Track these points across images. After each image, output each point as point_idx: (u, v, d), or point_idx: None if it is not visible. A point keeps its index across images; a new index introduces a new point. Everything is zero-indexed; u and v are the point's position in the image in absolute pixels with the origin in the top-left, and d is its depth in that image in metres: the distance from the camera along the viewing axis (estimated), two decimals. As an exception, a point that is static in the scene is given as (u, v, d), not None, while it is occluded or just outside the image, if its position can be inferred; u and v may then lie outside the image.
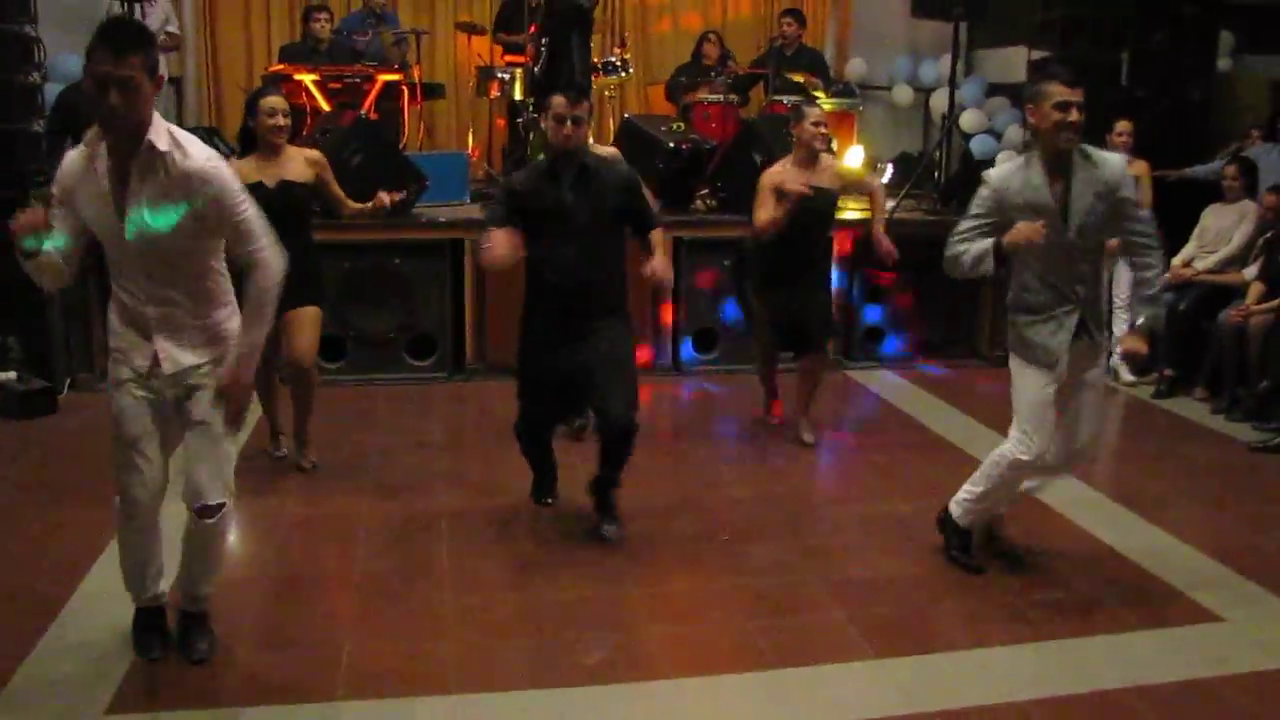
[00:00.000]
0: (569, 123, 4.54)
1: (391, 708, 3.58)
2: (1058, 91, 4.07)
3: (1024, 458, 4.35)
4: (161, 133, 3.25)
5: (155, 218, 3.27)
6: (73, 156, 3.36)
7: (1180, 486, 5.82)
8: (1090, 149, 4.22)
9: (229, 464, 3.60)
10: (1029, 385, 4.34)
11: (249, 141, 5.35)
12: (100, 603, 4.21)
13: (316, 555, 4.78)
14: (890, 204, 8.73)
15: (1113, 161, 4.25)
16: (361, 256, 7.48)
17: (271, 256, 3.46)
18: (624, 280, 4.80)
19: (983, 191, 4.30)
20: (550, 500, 5.13)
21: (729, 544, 4.92)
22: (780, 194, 5.65)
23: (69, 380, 7.10)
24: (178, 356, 3.45)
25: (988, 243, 4.21)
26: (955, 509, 4.69)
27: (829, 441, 6.37)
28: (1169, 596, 4.47)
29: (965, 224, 4.33)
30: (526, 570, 4.62)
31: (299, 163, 5.35)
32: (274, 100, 5.29)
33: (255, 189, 4.85)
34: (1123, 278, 7.71)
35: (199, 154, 3.31)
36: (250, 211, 3.41)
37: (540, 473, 5.13)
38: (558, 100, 4.55)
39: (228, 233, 3.41)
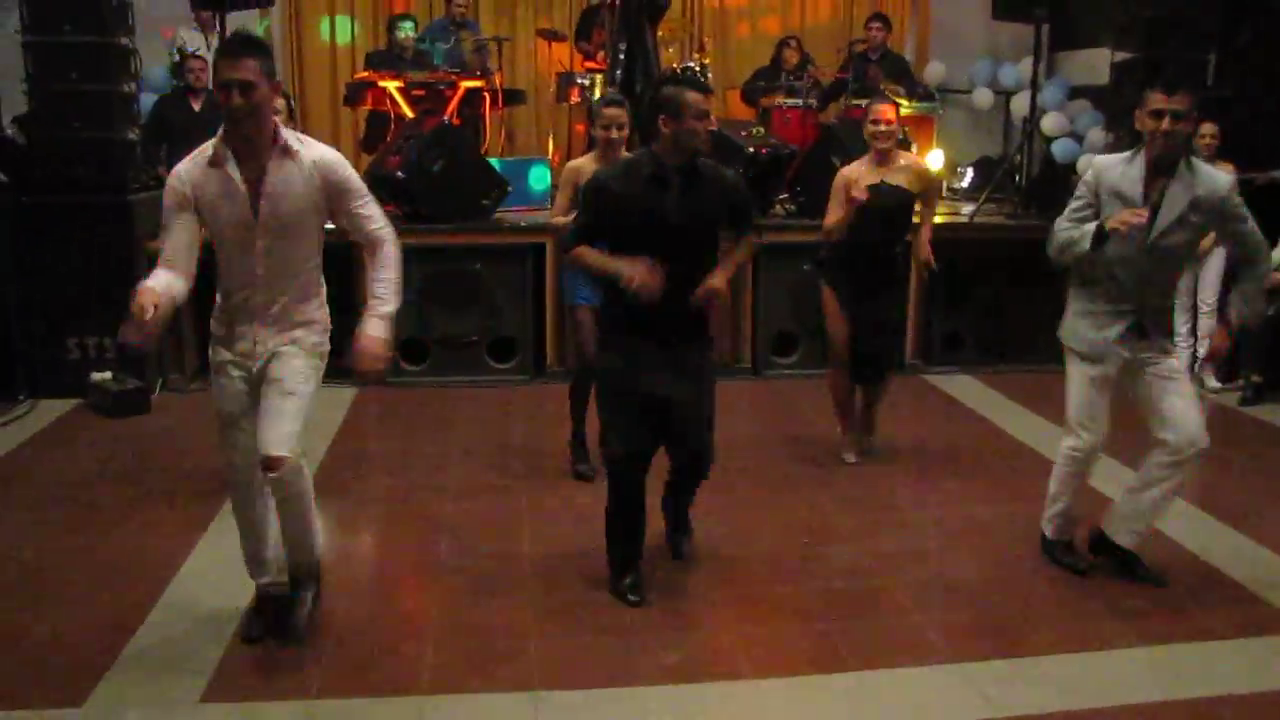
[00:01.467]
0: (708, 118, 4.19)
1: (475, 703, 3.65)
2: (1154, 99, 4.10)
3: (1073, 452, 4.58)
4: (289, 135, 3.67)
5: (290, 208, 3.66)
6: (192, 166, 3.67)
7: (1268, 494, 5.72)
8: (1198, 162, 4.25)
9: (296, 421, 3.72)
10: (1074, 377, 4.51)
11: None
12: (194, 596, 4.36)
13: (401, 553, 4.87)
14: (970, 208, 8.71)
15: (1216, 178, 4.22)
16: (443, 260, 7.60)
17: (390, 231, 3.86)
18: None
19: (1086, 175, 4.39)
20: (635, 597, 4.36)
21: (808, 547, 4.93)
22: (848, 199, 5.62)
23: (161, 380, 7.29)
24: (268, 340, 3.79)
25: (1090, 225, 4.25)
26: (1044, 527, 4.80)
27: (907, 445, 6.35)
28: (1257, 605, 4.41)
29: (1069, 208, 4.41)
30: (607, 571, 4.66)
31: None
32: None
33: None
34: (1207, 281, 7.60)
35: (323, 149, 3.77)
36: (369, 196, 3.84)
37: (631, 539, 4.43)
38: (695, 97, 4.12)
39: (348, 216, 3.80)
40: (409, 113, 8.73)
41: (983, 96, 11.52)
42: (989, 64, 11.51)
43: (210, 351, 3.89)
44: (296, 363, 3.78)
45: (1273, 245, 7.41)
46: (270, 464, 3.66)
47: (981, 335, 8.33)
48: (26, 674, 3.77)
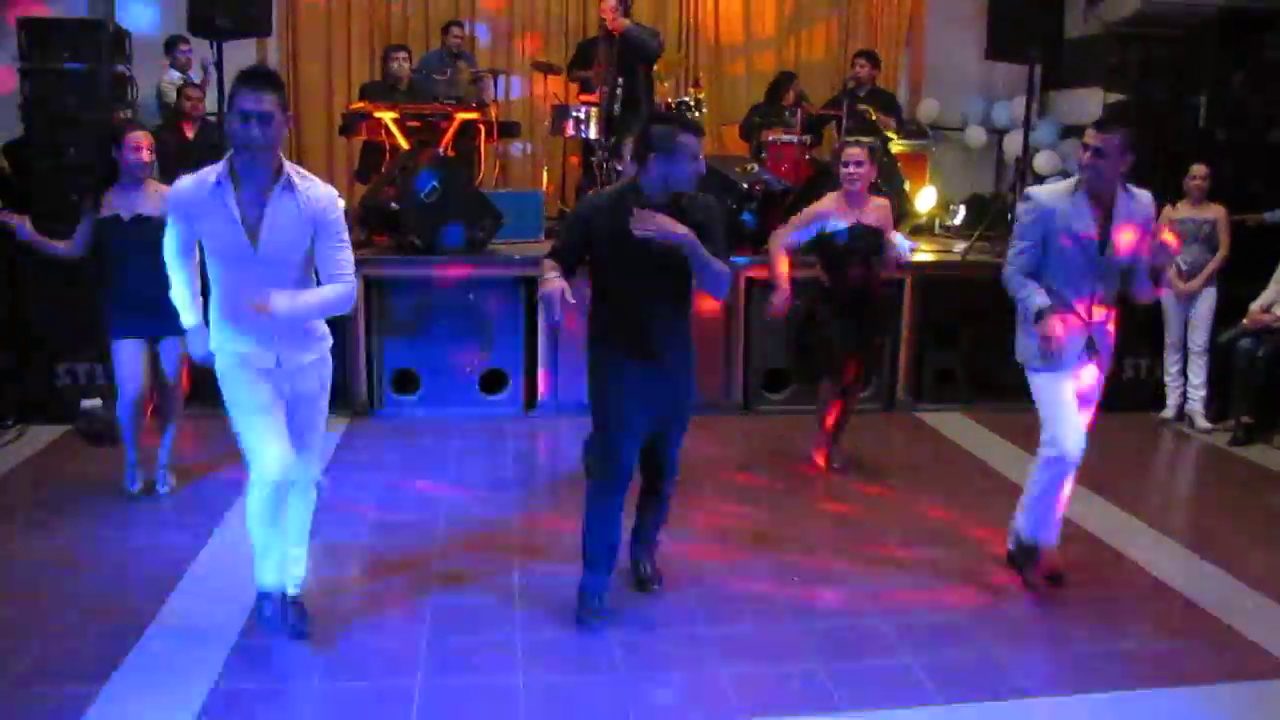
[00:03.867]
0: (700, 160, 4.24)
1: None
2: (1088, 133, 4.51)
3: (1051, 453, 4.68)
4: (292, 169, 3.84)
5: (287, 240, 3.82)
6: (194, 188, 3.82)
7: (1258, 535, 5.72)
8: (1132, 187, 4.62)
9: (322, 438, 4.27)
10: (1041, 387, 4.73)
11: (111, 171, 5.61)
12: (186, 620, 4.38)
13: (389, 586, 4.84)
14: (962, 245, 8.74)
15: (1145, 196, 4.65)
16: (436, 291, 7.60)
17: (351, 286, 4.00)
18: (689, 317, 4.47)
19: (1026, 208, 4.66)
20: (600, 615, 4.49)
21: (799, 586, 4.92)
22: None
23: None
24: (294, 356, 4.02)
25: (1038, 303, 4.57)
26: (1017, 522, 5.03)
27: (899, 482, 6.36)
28: (1245, 648, 4.41)
29: (1017, 245, 4.72)
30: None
31: (155, 197, 5.56)
32: (139, 135, 5.54)
33: (112, 220, 5.46)
34: (1198, 321, 7.62)
35: (322, 187, 3.91)
36: (347, 242, 3.98)
37: (607, 558, 4.51)
38: (688, 139, 4.14)
39: (325, 255, 3.92)
40: (404, 144, 8.74)
41: (975, 134, 11.58)
42: (982, 102, 11.58)
43: (221, 352, 4.01)
44: (321, 377, 4.14)
45: (1263, 286, 7.49)
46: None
47: (973, 372, 8.34)
48: (18, 693, 3.78)
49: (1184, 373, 7.81)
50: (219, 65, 8.35)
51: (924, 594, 4.90)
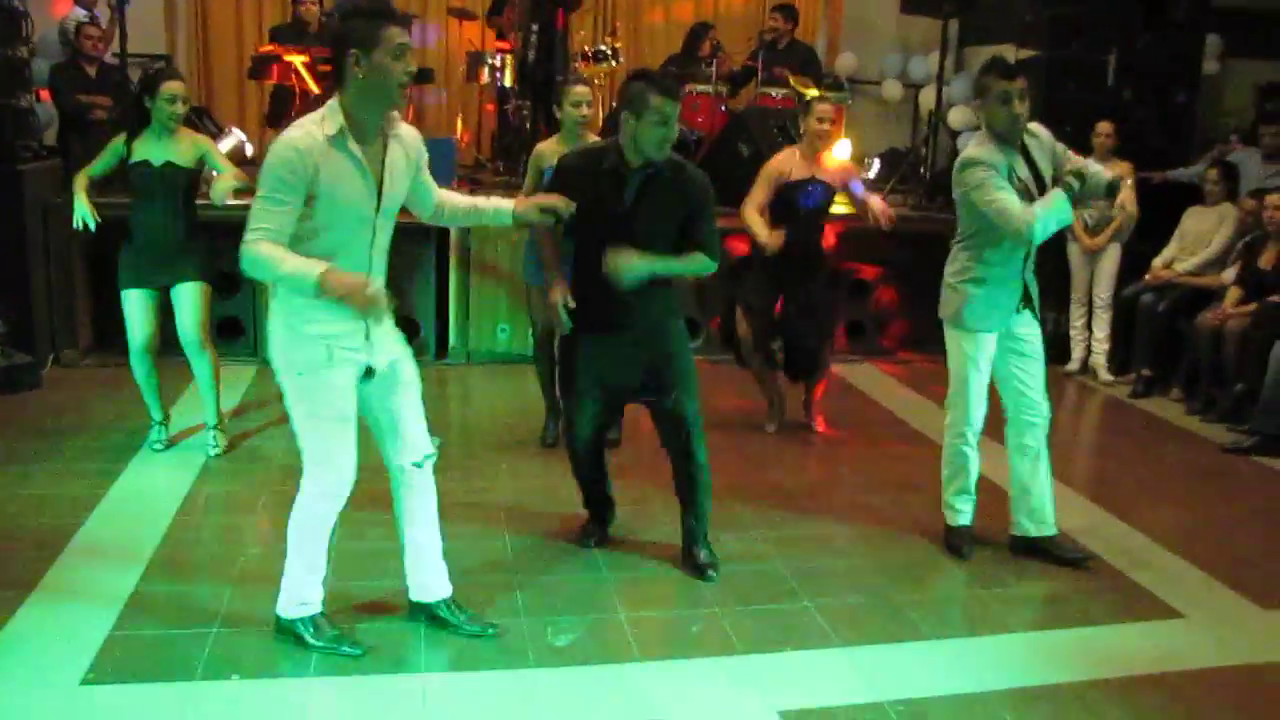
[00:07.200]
0: (671, 125, 4.02)
1: (362, 685, 3.62)
2: (1002, 84, 4.31)
3: (951, 425, 4.71)
4: (394, 114, 3.50)
5: (401, 189, 3.55)
6: (312, 141, 3.29)
7: (1153, 485, 5.88)
8: (1030, 126, 4.46)
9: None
10: (969, 357, 4.58)
11: (142, 119, 5.35)
12: (79, 575, 4.28)
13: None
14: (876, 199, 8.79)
15: (1043, 130, 4.55)
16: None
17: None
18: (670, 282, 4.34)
19: (982, 159, 4.33)
20: (593, 542, 4.72)
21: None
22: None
23: (53, 356, 7.11)
24: (384, 339, 3.62)
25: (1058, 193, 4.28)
26: (946, 515, 4.86)
27: (806, 432, 6.43)
28: (1134, 592, 4.53)
29: (995, 186, 4.29)
30: (500, 553, 4.66)
31: (188, 145, 5.36)
32: (175, 85, 5.32)
33: (141, 165, 5.23)
34: (1103, 275, 7.77)
35: (408, 126, 3.62)
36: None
37: (593, 499, 4.76)
38: (659, 101, 3.94)
39: (416, 189, 3.69)
40: (315, 88, 8.58)
41: (892, 88, 11.65)
42: (899, 57, 11.65)
43: (314, 349, 3.44)
44: (398, 335, 3.75)
45: (1165, 242, 7.66)
46: (426, 461, 3.83)
47: (884, 324, 8.44)
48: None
49: (1089, 326, 7.97)
50: (122, 5, 8.13)
51: (825, 541, 4.97)
